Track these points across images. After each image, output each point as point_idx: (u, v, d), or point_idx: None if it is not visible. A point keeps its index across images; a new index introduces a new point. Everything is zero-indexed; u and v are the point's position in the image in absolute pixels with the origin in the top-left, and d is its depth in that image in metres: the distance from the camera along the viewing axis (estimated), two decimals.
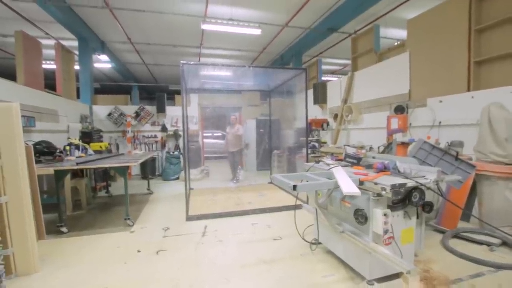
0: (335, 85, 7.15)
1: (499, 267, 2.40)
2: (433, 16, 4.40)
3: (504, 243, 2.82)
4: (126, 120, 7.78)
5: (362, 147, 5.41)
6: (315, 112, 7.83)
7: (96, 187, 5.59)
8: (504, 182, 3.01)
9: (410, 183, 2.01)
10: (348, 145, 3.24)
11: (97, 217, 4.15)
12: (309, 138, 7.45)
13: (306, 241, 2.94)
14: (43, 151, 4.31)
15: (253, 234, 3.37)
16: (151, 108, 8.24)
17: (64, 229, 3.42)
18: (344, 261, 2.46)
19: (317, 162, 2.84)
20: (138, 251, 2.93)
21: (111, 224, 3.78)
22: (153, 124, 8.24)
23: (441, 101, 4.24)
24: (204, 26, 6.16)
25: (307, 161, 4.53)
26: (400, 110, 4.84)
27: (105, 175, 5.85)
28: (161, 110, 8.13)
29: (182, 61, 3.75)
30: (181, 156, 7.57)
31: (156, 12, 6.13)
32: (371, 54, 5.92)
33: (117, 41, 8.38)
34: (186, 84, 3.64)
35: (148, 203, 4.96)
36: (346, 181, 1.98)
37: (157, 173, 7.94)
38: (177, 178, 7.25)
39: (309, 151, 7.40)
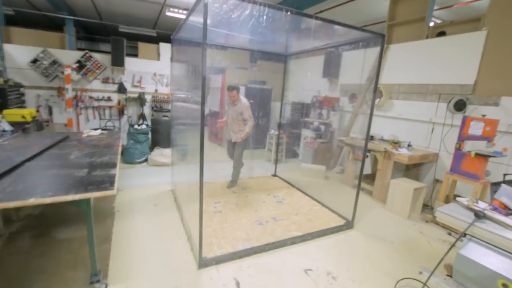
0: (352, 56, 5.85)
1: None
2: None
3: None
4: (63, 73, 5.25)
5: (396, 142, 4.45)
6: (321, 87, 6.53)
7: None
8: None
9: None
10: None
11: (28, 261, 2.35)
12: (316, 119, 6.24)
13: None
14: None
15: None
16: (101, 58, 5.74)
17: None
18: None
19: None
20: None
21: (61, 282, 2.10)
22: (105, 81, 5.84)
23: None
24: None
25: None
26: (461, 106, 3.88)
27: None
28: (118, 62, 5.72)
29: None
30: (150, 131, 5.58)
31: None
32: (419, 25, 4.65)
33: None
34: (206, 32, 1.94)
35: (117, 217, 3.24)
36: None
37: None
38: (146, 160, 5.38)
39: (313, 135, 6.26)
